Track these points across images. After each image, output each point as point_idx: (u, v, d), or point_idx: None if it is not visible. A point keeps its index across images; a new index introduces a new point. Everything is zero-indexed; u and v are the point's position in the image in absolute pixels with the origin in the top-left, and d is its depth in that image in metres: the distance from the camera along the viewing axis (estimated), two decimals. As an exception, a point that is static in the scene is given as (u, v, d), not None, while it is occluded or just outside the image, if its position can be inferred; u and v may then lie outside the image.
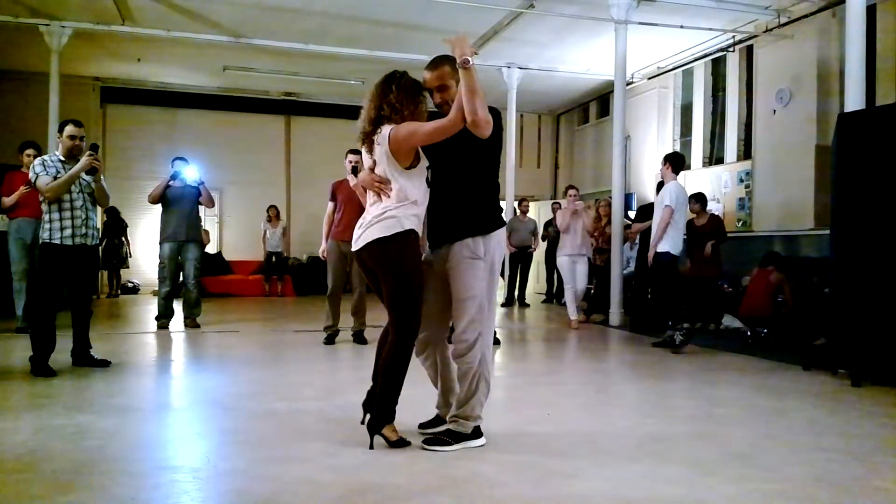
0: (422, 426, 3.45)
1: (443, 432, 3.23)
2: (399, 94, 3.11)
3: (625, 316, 8.53)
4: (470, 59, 2.91)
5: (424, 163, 3.16)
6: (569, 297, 8.38)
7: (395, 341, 3.12)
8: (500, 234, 3.25)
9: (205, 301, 8.25)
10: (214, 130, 13.83)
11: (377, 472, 2.88)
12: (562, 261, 8.39)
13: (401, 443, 3.15)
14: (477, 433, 3.23)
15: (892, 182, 4.95)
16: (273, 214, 12.73)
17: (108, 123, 13.49)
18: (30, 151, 6.80)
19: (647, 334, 7.52)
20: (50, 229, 4.87)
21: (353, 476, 2.83)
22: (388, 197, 3.10)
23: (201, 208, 7.85)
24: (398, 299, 3.09)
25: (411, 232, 3.07)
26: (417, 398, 3.54)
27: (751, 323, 7.28)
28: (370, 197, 3.19)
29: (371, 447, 3.12)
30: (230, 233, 14.01)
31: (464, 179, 3.19)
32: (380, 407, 3.15)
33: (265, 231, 12.64)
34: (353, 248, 3.21)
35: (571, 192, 8.61)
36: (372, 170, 3.16)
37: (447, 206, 3.20)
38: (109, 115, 13.52)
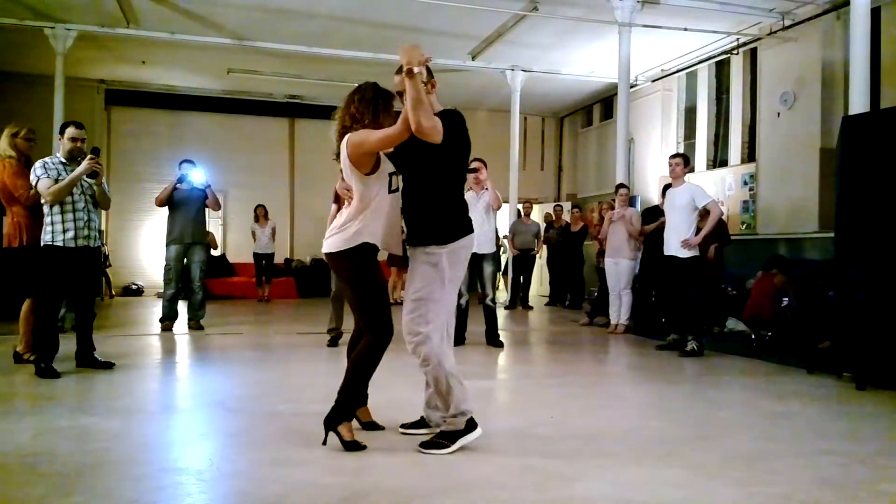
0: (404, 426, 3.49)
1: (438, 434, 3.23)
2: (360, 105, 3.22)
3: (629, 318, 8.50)
4: (416, 68, 2.97)
5: (386, 169, 3.22)
6: (612, 299, 8.24)
7: (368, 342, 3.22)
8: (458, 246, 3.24)
9: (208, 303, 8.26)
10: (218, 133, 13.88)
11: (380, 474, 2.88)
12: (607, 263, 8.26)
13: (354, 445, 3.14)
14: (471, 426, 3.22)
15: (897, 185, 4.94)
16: (261, 213, 12.16)
17: (112, 126, 13.54)
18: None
19: (651, 337, 7.50)
20: (52, 231, 4.88)
21: (356, 478, 2.83)
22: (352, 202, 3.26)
23: (207, 211, 7.85)
24: (360, 306, 3.25)
25: (362, 246, 3.17)
26: (416, 402, 3.54)
27: (754, 326, 7.26)
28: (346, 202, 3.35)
29: (324, 443, 3.15)
30: (234, 235, 14.04)
31: (425, 184, 3.26)
32: (339, 403, 3.19)
33: (253, 231, 12.11)
34: (323, 251, 3.32)
35: (623, 191, 8.31)
36: (343, 178, 3.32)
37: (413, 210, 3.30)
38: (114, 117, 13.58)
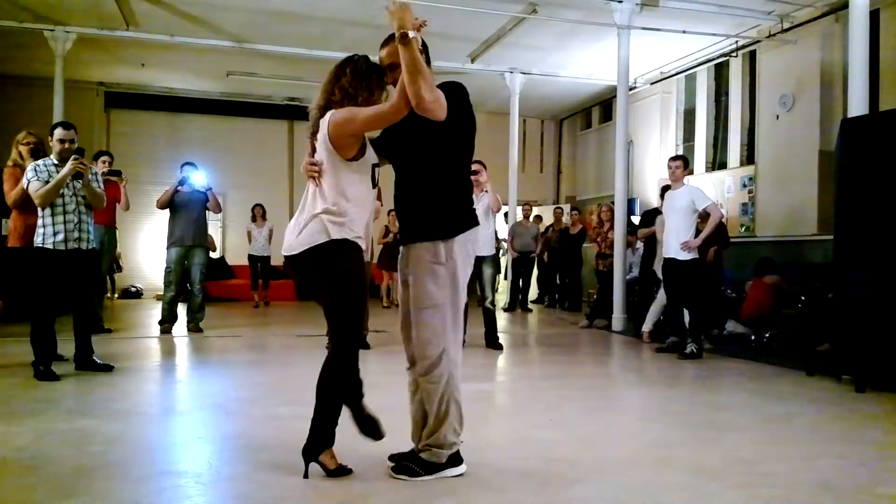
0: (392, 458, 3.01)
1: (412, 460, 2.86)
2: (353, 79, 2.74)
3: (628, 321, 8.50)
4: (411, 32, 2.50)
5: (370, 158, 2.80)
6: (654, 309, 7.39)
7: (334, 355, 2.78)
8: (467, 238, 2.80)
9: (207, 305, 8.25)
10: (218, 135, 13.88)
11: (379, 478, 2.88)
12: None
13: (340, 471, 2.82)
14: (454, 461, 2.86)
15: (895, 187, 4.95)
16: (259, 213, 11.56)
17: (111, 128, 13.55)
18: (105, 158, 7.12)
19: (651, 339, 7.49)
20: (43, 234, 4.87)
21: (354, 482, 2.82)
22: (319, 185, 2.75)
23: (208, 213, 7.85)
24: (337, 311, 2.76)
25: (344, 241, 2.71)
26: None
27: (754, 325, 7.26)
28: (308, 188, 2.82)
29: (305, 476, 2.79)
30: (233, 237, 14.02)
31: (425, 170, 2.79)
32: (316, 430, 2.79)
33: (249, 232, 11.55)
34: (285, 253, 2.84)
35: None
36: (311, 155, 2.80)
37: (408, 202, 2.83)
38: (113, 119, 13.58)
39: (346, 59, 2.83)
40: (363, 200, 2.78)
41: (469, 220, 2.83)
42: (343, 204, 2.72)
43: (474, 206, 2.93)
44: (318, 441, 2.81)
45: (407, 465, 2.86)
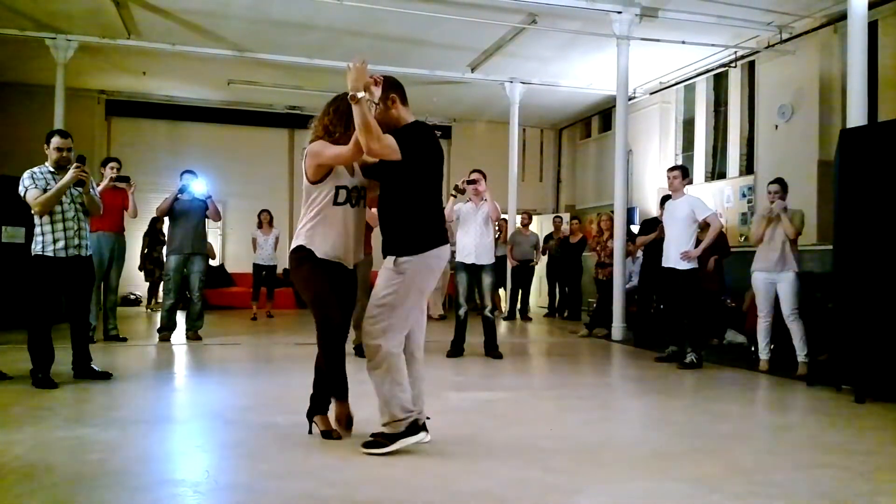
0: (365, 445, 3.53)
1: (378, 434, 3.29)
2: (333, 118, 3.35)
3: (627, 330, 8.49)
4: (359, 93, 3.00)
5: (336, 181, 3.36)
6: (761, 327, 6.31)
7: (318, 339, 3.46)
8: (428, 256, 3.27)
9: (207, 313, 8.24)
10: (218, 144, 13.90)
11: (379, 486, 2.87)
12: (756, 278, 6.29)
13: (328, 434, 3.49)
14: (413, 429, 3.25)
15: (895, 197, 4.95)
16: (265, 220, 10.87)
17: (112, 136, 13.57)
18: (114, 164, 7.04)
19: (650, 349, 7.49)
20: (42, 242, 4.88)
21: (354, 491, 2.82)
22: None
23: (207, 221, 7.85)
24: (308, 303, 3.47)
25: (300, 249, 3.39)
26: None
27: (753, 335, 7.25)
28: None
29: (310, 432, 3.58)
30: (233, 245, 14.04)
31: (394, 196, 3.32)
32: (312, 397, 3.60)
33: (254, 239, 10.82)
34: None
35: (773, 187, 6.32)
36: None
37: (384, 221, 3.38)
38: (114, 128, 13.61)
39: (333, 99, 3.41)
40: (331, 216, 3.37)
41: (432, 240, 3.30)
42: (314, 219, 3.38)
43: (444, 226, 3.43)
44: (314, 406, 3.59)
45: (374, 440, 3.27)
